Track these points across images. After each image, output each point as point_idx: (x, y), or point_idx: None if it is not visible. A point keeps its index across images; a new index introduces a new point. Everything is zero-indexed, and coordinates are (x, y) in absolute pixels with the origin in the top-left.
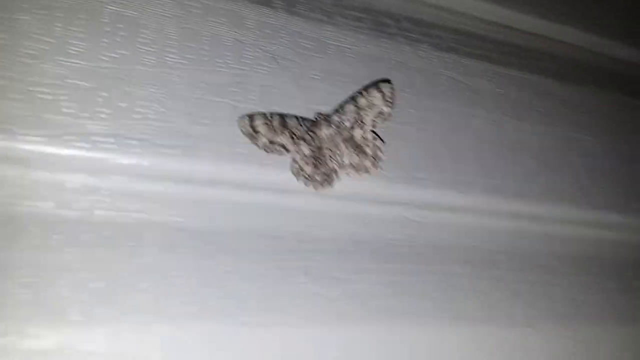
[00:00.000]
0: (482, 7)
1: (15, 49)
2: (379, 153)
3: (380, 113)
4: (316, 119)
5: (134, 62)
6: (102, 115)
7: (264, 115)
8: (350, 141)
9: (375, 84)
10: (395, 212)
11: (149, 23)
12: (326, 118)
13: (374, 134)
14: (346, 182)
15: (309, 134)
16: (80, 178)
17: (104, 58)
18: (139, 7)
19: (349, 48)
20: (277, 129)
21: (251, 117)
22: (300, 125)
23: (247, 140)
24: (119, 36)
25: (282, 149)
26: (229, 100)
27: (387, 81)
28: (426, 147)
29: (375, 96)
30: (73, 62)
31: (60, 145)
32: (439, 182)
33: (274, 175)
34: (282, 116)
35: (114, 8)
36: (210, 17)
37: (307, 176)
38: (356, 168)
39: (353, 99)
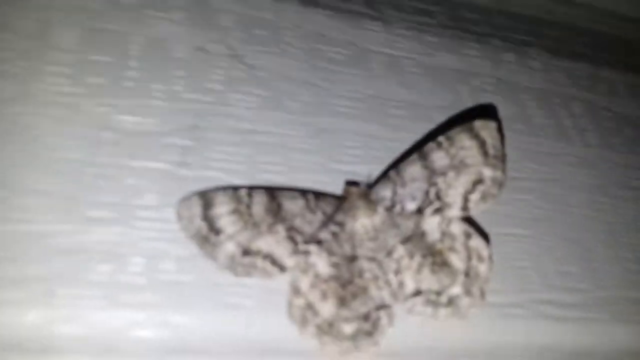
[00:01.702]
0: None
1: None
2: (480, 267)
3: (478, 182)
4: (345, 195)
5: None
6: None
7: (233, 194)
8: (419, 243)
9: (467, 124)
10: None
11: None
12: (367, 194)
13: (467, 227)
14: (411, 330)
15: (330, 230)
16: None
17: None
18: None
19: (408, 58)
20: (260, 221)
21: (207, 197)
22: (311, 210)
23: (189, 247)
24: None
25: (270, 266)
26: (166, 161)
27: (491, 114)
28: (565, 235)
29: (467, 146)
30: None
31: None
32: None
33: (248, 328)
34: (273, 194)
35: None
36: None
37: (323, 325)
38: (432, 301)
39: (420, 154)
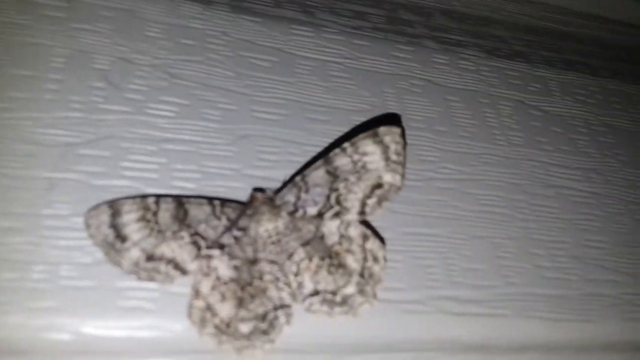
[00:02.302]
0: None
1: None
2: (374, 268)
3: (377, 187)
4: (250, 201)
5: None
6: None
7: (141, 202)
8: (318, 245)
9: (371, 130)
10: None
11: None
12: (270, 199)
13: (364, 229)
14: (310, 327)
15: (233, 235)
16: None
17: None
18: None
19: (336, 62)
20: (166, 228)
21: (115, 206)
22: (217, 216)
23: (93, 254)
24: None
25: (172, 270)
26: (79, 172)
27: (395, 122)
28: (476, 233)
29: (370, 152)
30: None
31: None
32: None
33: (150, 329)
34: (180, 202)
35: None
36: None
37: (221, 325)
38: (328, 300)
39: (325, 160)
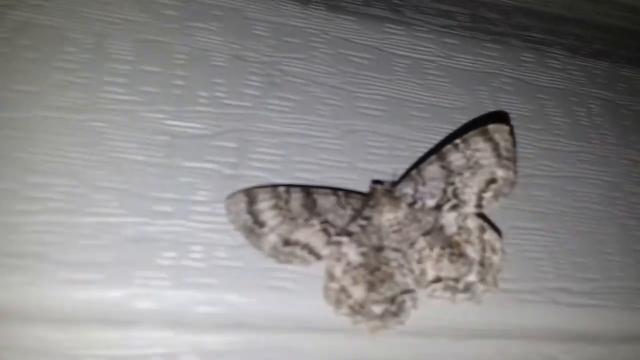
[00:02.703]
0: None
1: None
2: (493, 258)
3: (492, 182)
4: (371, 192)
5: None
6: None
7: (273, 190)
8: (438, 236)
9: (481, 128)
10: (529, 348)
11: None
12: (391, 191)
13: (481, 222)
14: (432, 312)
15: (358, 223)
16: None
17: None
18: None
19: (429, 60)
20: (297, 215)
21: (251, 194)
22: (342, 206)
23: (238, 238)
24: None
25: (307, 255)
26: (214, 162)
27: (503, 120)
28: (579, 229)
29: (481, 148)
30: None
31: None
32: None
33: (292, 307)
34: (308, 191)
35: None
36: None
37: (355, 306)
38: (450, 287)
39: (439, 155)
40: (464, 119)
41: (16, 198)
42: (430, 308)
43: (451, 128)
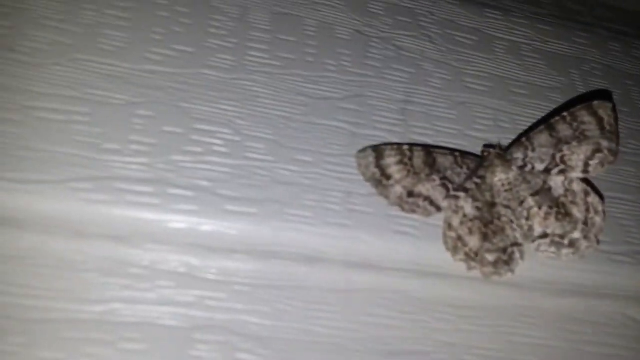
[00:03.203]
0: None
1: None
2: (596, 218)
3: (597, 151)
4: (485, 155)
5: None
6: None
7: (398, 148)
8: (546, 196)
9: (587, 103)
10: (616, 308)
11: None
12: (503, 155)
13: (585, 186)
14: (536, 265)
15: (473, 181)
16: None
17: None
18: None
19: (526, 44)
20: (420, 171)
21: (378, 150)
22: (459, 165)
23: (368, 188)
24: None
25: (429, 206)
26: (343, 121)
27: (606, 97)
28: None
29: (587, 122)
30: None
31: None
32: None
33: (414, 251)
34: (429, 151)
35: None
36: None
37: (470, 253)
38: (556, 243)
39: (548, 126)
40: (559, 98)
41: (183, 140)
42: (534, 262)
43: (548, 105)
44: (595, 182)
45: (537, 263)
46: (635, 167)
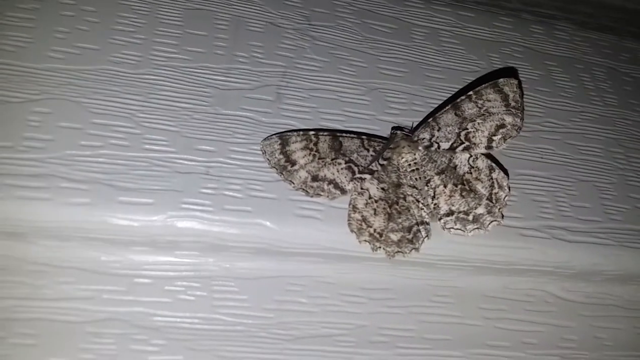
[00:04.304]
0: None
1: None
2: (500, 193)
3: (501, 127)
4: (392, 136)
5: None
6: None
7: (304, 134)
8: (451, 174)
9: (492, 81)
10: (535, 285)
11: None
12: (409, 136)
13: (490, 162)
14: (445, 243)
15: (380, 163)
16: None
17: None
18: None
19: (446, 30)
20: (325, 155)
21: (284, 138)
22: (365, 148)
23: (272, 174)
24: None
25: (333, 189)
26: (251, 110)
27: (511, 74)
28: (581, 178)
29: (492, 99)
30: None
31: None
32: (598, 237)
33: (319, 235)
34: (335, 135)
35: None
36: None
37: (375, 234)
38: (461, 219)
39: (454, 105)
40: (477, 81)
41: (80, 135)
42: (442, 241)
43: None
44: (510, 160)
45: (445, 241)
46: (553, 144)
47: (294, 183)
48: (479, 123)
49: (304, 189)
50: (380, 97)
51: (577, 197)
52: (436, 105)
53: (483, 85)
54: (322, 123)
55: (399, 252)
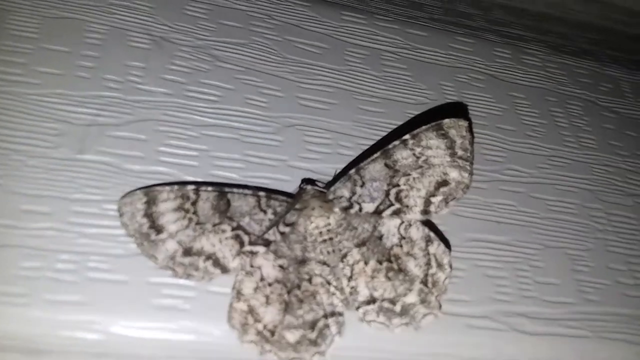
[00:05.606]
0: None
1: None
2: (438, 274)
3: (442, 184)
4: (300, 193)
5: None
6: None
7: (179, 190)
8: (375, 247)
9: (435, 122)
10: None
11: None
12: (322, 193)
13: (427, 231)
14: (358, 341)
15: (280, 231)
16: None
17: None
18: None
19: (390, 52)
20: (204, 218)
21: (151, 193)
22: (262, 209)
23: (128, 246)
24: None
25: (211, 267)
26: (112, 155)
27: (461, 112)
28: (548, 244)
29: (433, 146)
30: None
31: None
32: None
33: (178, 331)
34: (222, 191)
35: None
36: None
37: (265, 332)
38: (385, 310)
39: (384, 153)
40: (425, 116)
41: None
42: (360, 336)
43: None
44: (459, 221)
45: (364, 336)
46: (515, 199)
47: (157, 258)
48: (414, 178)
49: (171, 268)
50: (297, 136)
51: (544, 271)
52: (368, 147)
53: (423, 127)
54: (213, 172)
55: (295, 358)
